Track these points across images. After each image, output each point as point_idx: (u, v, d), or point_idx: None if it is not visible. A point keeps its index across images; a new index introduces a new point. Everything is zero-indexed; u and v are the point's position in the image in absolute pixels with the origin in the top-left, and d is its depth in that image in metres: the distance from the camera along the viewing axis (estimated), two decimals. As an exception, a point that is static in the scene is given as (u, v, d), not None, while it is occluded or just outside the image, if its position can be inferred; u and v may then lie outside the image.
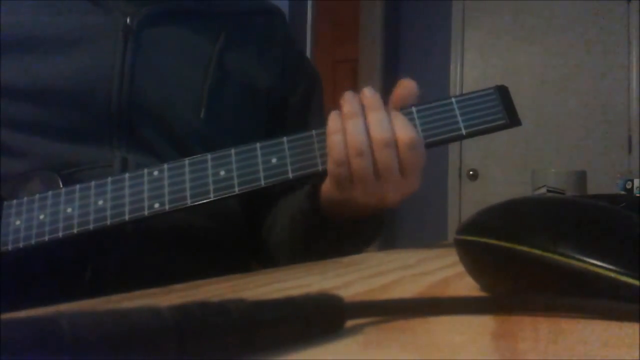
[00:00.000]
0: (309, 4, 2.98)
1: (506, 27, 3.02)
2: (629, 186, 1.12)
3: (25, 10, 0.63)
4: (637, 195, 1.09)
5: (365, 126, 0.50)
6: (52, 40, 0.61)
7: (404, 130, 0.50)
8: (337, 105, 0.53)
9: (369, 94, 0.52)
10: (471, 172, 3.05)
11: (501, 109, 0.53)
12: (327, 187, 0.54)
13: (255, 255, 0.73)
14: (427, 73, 3.10)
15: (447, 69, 3.11)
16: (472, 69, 3.09)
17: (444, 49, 3.12)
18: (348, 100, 0.52)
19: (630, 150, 2.73)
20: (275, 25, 0.76)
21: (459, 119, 0.53)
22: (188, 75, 0.65)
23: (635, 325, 0.22)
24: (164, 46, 0.65)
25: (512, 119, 0.53)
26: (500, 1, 3.03)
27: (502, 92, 0.54)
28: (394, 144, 0.50)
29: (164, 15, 0.66)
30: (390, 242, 2.94)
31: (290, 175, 0.52)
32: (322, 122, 0.76)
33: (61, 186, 0.54)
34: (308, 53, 2.91)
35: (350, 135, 0.50)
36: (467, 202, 3.03)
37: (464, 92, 3.12)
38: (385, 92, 0.54)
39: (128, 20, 0.63)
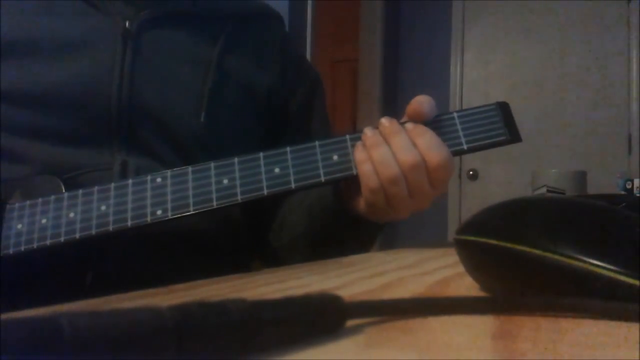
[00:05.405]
0: (309, 4, 2.98)
1: (506, 27, 3.02)
2: (629, 186, 1.12)
3: (25, 13, 0.62)
4: (637, 195, 1.09)
5: (391, 153, 0.51)
6: (51, 44, 0.61)
7: (432, 153, 0.51)
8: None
9: (387, 122, 0.53)
10: (471, 172, 3.05)
11: (502, 125, 0.54)
12: (362, 207, 0.55)
13: (260, 255, 0.73)
14: (427, 73, 3.10)
15: (447, 69, 3.11)
16: (472, 68, 3.09)
17: (444, 49, 3.12)
18: (368, 134, 0.52)
19: (630, 150, 2.73)
20: (273, 29, 0.76)
21: (461, 133, 0.53)
22: (188, 78, 0.65)
23: (635, 325, 0.22)
24: (164, 49, 0.65)
25: (513, 135, 0.54)
26: (500, 1, 3.03)
27: (504, 108, 0.55)
28: (422, 165, 0.50)
29: (163, 19, 0.66)
30: (390, 242, 2.94)
31: (293, 185, 0.52)
32: (325, 125, 0.77)
33: (63, 190, 0.54)
34: (308, 53, 2.90)
35: (379, 165, 0.51)
36: (467, 202, 3.03)
37: (463, 92, 3.09)
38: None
39: (127, 24, 0.63)
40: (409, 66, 3.18)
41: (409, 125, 0.52)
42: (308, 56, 2.85)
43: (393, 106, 2.93)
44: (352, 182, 0.54)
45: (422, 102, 0.53)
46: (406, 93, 3.06)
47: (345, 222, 0.57)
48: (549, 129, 2.87)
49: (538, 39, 2.94)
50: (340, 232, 0.59)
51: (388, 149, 0.51)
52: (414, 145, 0.51)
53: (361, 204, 0.55)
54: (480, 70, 3.07)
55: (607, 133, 2.78)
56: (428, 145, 0.51)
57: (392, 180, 0.50)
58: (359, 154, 0.52)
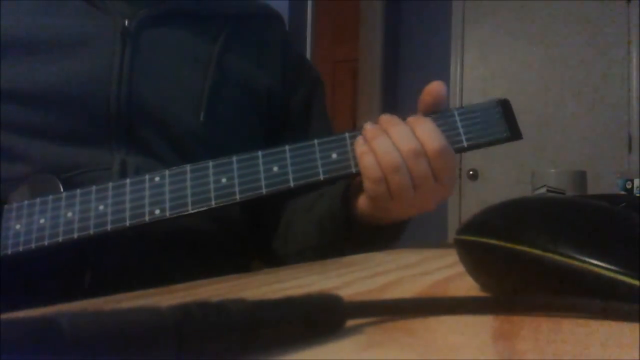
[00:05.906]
0: (309, 4, 2.98)
1: (506, 27, 3.01)
2: (629, 186, 1.12)
3: (24, 13, 0.62)
4: (637, 195, 1.09)
5: (392, 142, 0.51)
6: (51, 42, 0.61)
7: (431, 139, 0.51)
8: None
9: (386, 116, 0.53)
10: (471, 172, 3.05)
11: (503, 122, 0.54)
12: (364, 203, 0.54)
13: (261, 258, 0.72)
14: (427, 73, 3.10)
15: (447, 69, 3.11)
16: (472, 69, 3.08)
17: (444, 49, 3.12)
18: (368, 127, 0.52)
19: (630, 150, 2.73)
20: (274, 29, 0.76)
21: (461, 130, 0.53)
22: (187, 77, 0.65)
23: (635, 325, 0.22)
24: (163, 48, 0.65)
25: (514, 133, 0.54)
26: (500, 1, 3.03)
27: (504, 105, 0.54)
28: (423, 153, 0.51)
29: (163, 17, 0.66)
30: (390, 242, 2.94)
31: (292, 184, 0.52)
32: (325, 125, 0.77)
33: (61, 189, 0.54)
34: (308, 53, 2.90)
35: (380, 154, 0.51)
36: (467, 202, 3.03)
37: (464, 92, 3.07)
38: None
39: (126, 22, 0.63)
40: (409, 66, 3.18)
41: (410, 118, 0.53)
42: (308, 56, 2.84)
43: (393, 106, 2.93)
44: (358, 188, 0.54)
45: (438, 83, 0.54)
46: (406, 93, 3.06)
47: (359, 231, 0.57)
48: (549, 129, 2.87)
49: (538, 39, 2.94)
50: (355, 241, 0.58)
51: (388, 139, 0.51)
52: (414, 134, 0.51)
53: (363, 201, 0.54)
54: (480, 70, 3.07)
55: (607, 133, 2.78)
56: (427, 133, 0.51)
57: (394, 167, 0.50)
58: (360, 147, 0.52)
